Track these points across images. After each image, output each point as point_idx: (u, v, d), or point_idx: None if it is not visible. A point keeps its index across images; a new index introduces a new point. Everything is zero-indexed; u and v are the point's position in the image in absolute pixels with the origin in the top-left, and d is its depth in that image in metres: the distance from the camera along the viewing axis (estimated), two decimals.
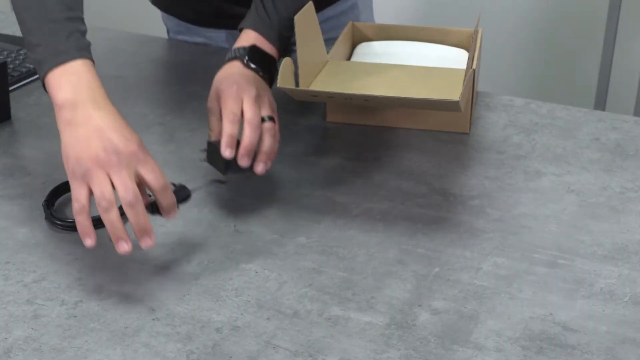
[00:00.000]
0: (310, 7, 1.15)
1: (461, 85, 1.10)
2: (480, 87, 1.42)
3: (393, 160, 1.20)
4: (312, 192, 1.13)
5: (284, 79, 1.07)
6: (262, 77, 1.12)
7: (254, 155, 1.05)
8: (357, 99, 1.16)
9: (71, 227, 1.05)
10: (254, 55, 1.13)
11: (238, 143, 1.04)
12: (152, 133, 1.28)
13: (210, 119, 1.10)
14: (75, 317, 0.91)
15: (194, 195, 1.12)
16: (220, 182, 1.02)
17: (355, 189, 1.14)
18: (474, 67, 1.11)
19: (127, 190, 0.91)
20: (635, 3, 2.48)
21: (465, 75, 1.06)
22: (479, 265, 0.98)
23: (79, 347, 0.87)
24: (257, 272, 0.98)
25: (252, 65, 1.12)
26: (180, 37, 1.60)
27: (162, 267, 0.99)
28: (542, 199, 1.11)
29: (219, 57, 1.52)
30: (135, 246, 0.93)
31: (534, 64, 2.69)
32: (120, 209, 0.92)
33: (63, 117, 0.96)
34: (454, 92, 1.08)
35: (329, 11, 1.46)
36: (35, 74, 1.45)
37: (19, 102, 1.37)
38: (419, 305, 0.92)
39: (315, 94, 1.15)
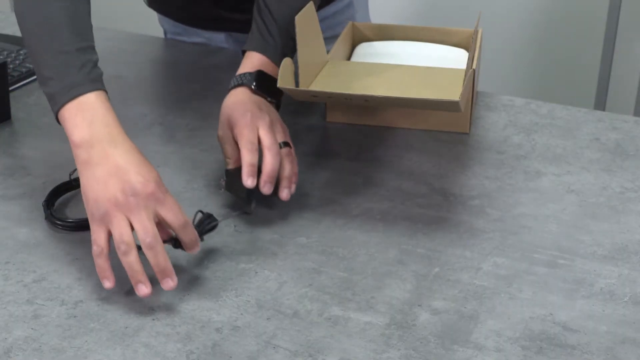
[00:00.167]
0: (310, 7, 1.15)
1: (461, 85, 1.10)
2: (480, 87, 1.42)
3: (393, 160, 1.20)
4: (312, 192, 1.13)
5: (284, 79, 1.07)
6: (270, 102, 1.12)
7: (276, 182, 1.05)
8: (357, 99, 1.16)
9: (71, 227, 1.05)
10: (261, 81, 1.12)
11: (258, 171, 1.04)
12: (152, 133, 1.28)
13: (225, 147, 1.09)
14: (75, 317, 0.91)
15: (194, 196, 1.12)
16: (246, 213, 1.02)
17: (355, 189, 1.14)
18: (474, 67, 1.11)
19: (146, 232, 0.91)
20: (635, 3, 2.48)
21: (465, 76, 1.06)
22: (479, 265, 0.98)
23: (79, 347, 0.87)
24: (257, 272, 0.98)
25: (260, 92, 1.11)
26: (179, 38, 1.60)
27: None
28: (542, 199, 1.11)
29: (219, 56, 1.53)
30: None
31: (534, 64, 2.69)
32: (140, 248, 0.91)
33: (80, 157, 0.96)
34: (454, 92, 1.08)
35: (325, 11, 1.47)
36: (35, 73, 1.44)
37: (19, 102, 1.37)
38: (419, 305, 0.92)
39: (315, 94, 1.15)
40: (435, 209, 1.09)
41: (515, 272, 0.97)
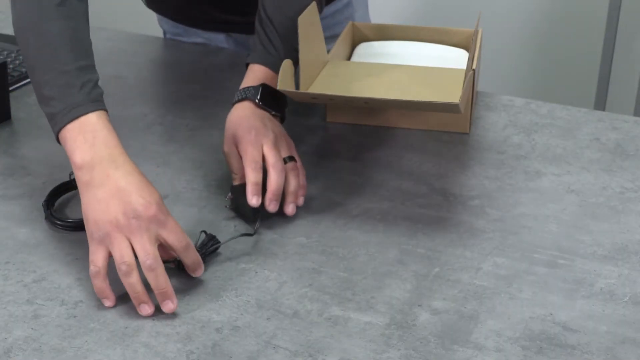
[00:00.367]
0: (313, 7, 1.14)
1: (461, 86, 1.10)
2: (480, 87, 1.42)
3: (393, 160, 1.20)
4: (312, 192, 1.12)
5: (284, 81, 1.07)
6: (274, 115, 1.12)
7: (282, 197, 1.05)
8: (357, 101, 1.16)
9: (71, 227, 1.05)
10: (265, 95, 1.11)
11: (263, 187, 1.04)
12: (152, 133, 1.28)
13: (230, 162, 1.09)
14: (75, 317, 0.91)
15: (194, 196, 1.12)
16: (249, 234, 1.02)
17: (355, 189, 1.14)
18: (474, 67, 1.11)
19: (147, 255, 0.90)
20: (635, 3, 2.48)
21: (465, 76, 1.06)
22: (479, 265, 0.98)
23: (79, 347, 0.87)
24: (257, 272, 0.98)
25: (265, 106, 1.11)
26: (178, 38, 1.60)
27: None
28: (542, 199, 1.11)
29: (219, 56, 1.53)
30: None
31: (534, 64, 2.69)
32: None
33: (81, 179, 0.96)
34: (454, 93, 1.08)
35: (324, 10, 1.46)
36: None
37: (19, 102, 1.37)
38: (419, 305, 0.92)
39: (315, 96, 1.15)
40: (435, 209, 1.09)
41: (515, 272, 0.97)
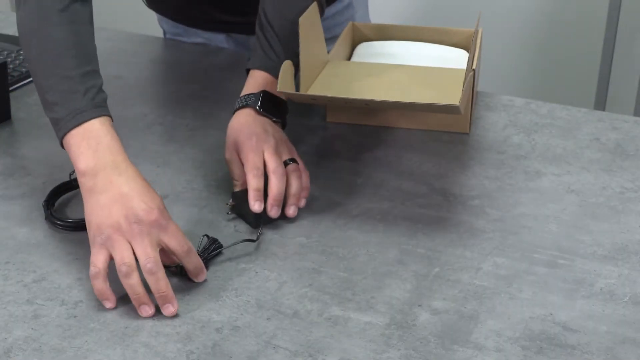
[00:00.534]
0: (314, 8, 1.14)
1: (461, 86, 1.10)
2: (480, 87, 1.42)
3: (393, 160, 1.20)
4: (312, 192, 1.12)
5: (284, 82, 1.07)
6: (275, 121, 1.12)
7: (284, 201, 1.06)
8: (356, 103, 1.16)
9: (71, 227, 1.05)
10: (265, 101, 1.12)
11: (265, 193, 1.04)
12: (152, 133, 1.28)
13: (232, 168, 1.09)
14: (75, 317, 0.91)
15: (194, 196, 1.12)
16: (252, 240, 1.02)
17: (355, 189, 1.14)
18: (474, 67, 1.11)
19: (148, 259, 0.91)
20: (635, 3, 2.48)
21: (466, 76, 1.06)
22: (479, 265, 0.98)
23: (79, 347, 0.87)
24: (257, 272, 0.98)
25: (266, 113, 1.11)
26: (178, 38, 1.60)
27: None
28: (542, 199, 1.11)
29: (219, 56, 1.53)
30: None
31: (534, 64, 2.69)
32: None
33: (85, 184, 0.96)
34: (454, 93, 1.08)
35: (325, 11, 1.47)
36: None
37: (19, 102, 1.37)
38: (419, 305, 0.92)
39: (315, 97, 1.15)
40: (435, 209, 1.09)
41: (515, 272, 0.97)
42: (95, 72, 1.03)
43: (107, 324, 0.90)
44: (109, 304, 0.92)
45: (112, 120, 1.01)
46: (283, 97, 1.13)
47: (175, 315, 0.91)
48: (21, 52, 1.51)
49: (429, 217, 1.07)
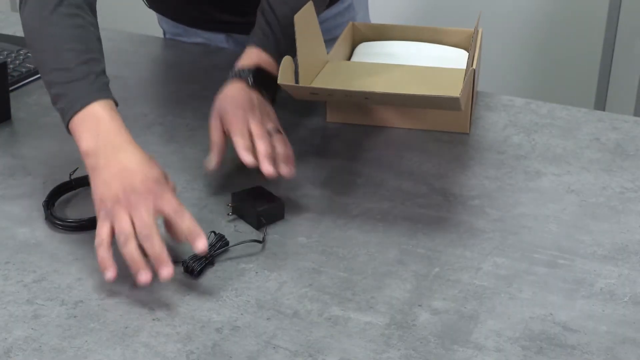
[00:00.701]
0: (310, 6, 1.14)
1: (461, 85, 1.10)
2: (480, 87, 1.42)
3: (393, 160, 1.20)
4: (312, 192, 1.13)
5: (284, 76, 1.07)
6: (265, 96, 1.14)
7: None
8: (356, 96, 1.16)
9: (71, 227, 1.05)
10: (258, 76, 1.15)
11: (263, 192, 1.07)
12: (152, 133, 1.28)
13: (213, 133, 1.12)
14: (75, 317, 0.91)
15: (194, 196, 1.12)
16: (258, 241, 1.02)
17: (355, 189, 1.14)
18: (474, 66, 1.11)
19: (142, 225, 0.93)
20: (635, 3, 2.48)
21: (466, 74, 1.06)
22: (479, 265, 0.98)
23: (79, 347, 0.87)
24: (257, 272, 0.98)
25: (257, 87, 1.13)
26: (178, 38, 1.61)
27: None
28: (542, 199, 1.11)
29: (219, 56, 1.53)
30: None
31: (534, 64, 2.69)
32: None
33: (88, 164, 1.00)
34: (454, 92, 1.08)
35: (325, 13, 1.47)
36: (35, 73, 1.45)
37: (19, 102, 1.37)
38: (419, 305, 0.92)
39: (315, 91, 1.14)
40: (435, 209, 1.09)
41: (515, 272, 0.97)
42: (95, 60, 1.06)
43: (107, 324, 0.90)
44: (109, 274, 0.93)
45: (115, 102, 1.04)
46: (289, 92, 1.14)
47: (175, 315, 0.91)
48: (21, 52, 1.51)
49: (429, 217, 1.07)
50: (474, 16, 1.22)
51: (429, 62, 1.28)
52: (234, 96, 1.12)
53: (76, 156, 1.20)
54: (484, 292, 0.94)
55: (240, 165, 1.17)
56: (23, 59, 1.49)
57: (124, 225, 0.94)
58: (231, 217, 1.07)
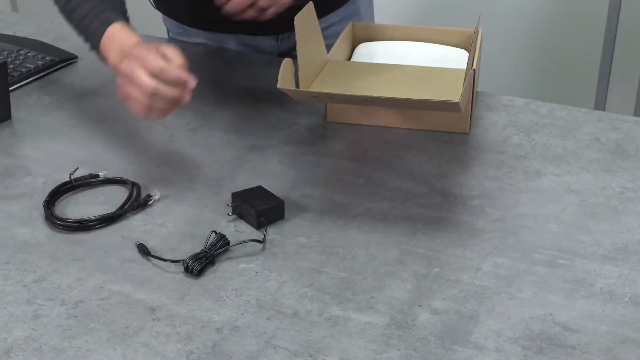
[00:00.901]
0: (310, 7, 1.14)
1: (461, 85, 1.10)
2: (480, 87, 1.42)
3: (393, 160, 1.20)
4: (312, 192, 1.13)
5: (284, 79, 1.07)
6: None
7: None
8: (357, 99, 1.16)
9: (71, 227, 1.05)
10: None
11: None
12: (152, 133, 1.28)
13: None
14: (75, 317, 0.91)
15: (194, 196, 1.12)
16: (258, 241, 1.02)
17: (355, 189, 1.14)
18: (474, 67, 1.11)
19: (160, 69, 1.07)
20: (635, 3, 2.48)
21: (466, 76, 1.06)
22: (479, 265, 0.98)
23: (79, 347, 0.87)
24: (257, 272, 0.98)
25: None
26: (180, 38, 1.61)
27: (162, 267, 0.99)
28: (542, 199, 1.11)
29: (220, 57, 1.53)
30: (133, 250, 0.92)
31: (534, 64, 2.69)
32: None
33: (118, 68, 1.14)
34: (454, 93, 1.08)
35: (331, 17, 1.47)
36: (35, 73, 1.45)
37: (19, 102, 1.37)
38: (419, 305, 0.92)
39: (315, 94, 1.14)
40: (435, 209, 1.09)
41: (515, 272, 0.97)
42: (103, 2, 1.20)
43: (107, 324, 0.90)
44: (192, 83, 1.09)
45: (127, 21, 1.20)
46: (290, 95, 1.13)
47: (175, 315, 0.91)
48: (21, 52, 1.51)
49: (429, 217, 1.08)
50: (474, 16, 1.22)
51: (430, 62, 1.28)
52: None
53: (76, 156, 1.21)
54: (484, 292, 0.94)
55: (241, 165, 1.17)
56: (23, 59, 1.49)
57: (151, 65, 1.07)
58: (231, 217, 1.07)
